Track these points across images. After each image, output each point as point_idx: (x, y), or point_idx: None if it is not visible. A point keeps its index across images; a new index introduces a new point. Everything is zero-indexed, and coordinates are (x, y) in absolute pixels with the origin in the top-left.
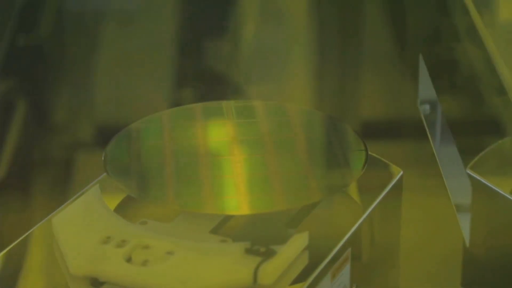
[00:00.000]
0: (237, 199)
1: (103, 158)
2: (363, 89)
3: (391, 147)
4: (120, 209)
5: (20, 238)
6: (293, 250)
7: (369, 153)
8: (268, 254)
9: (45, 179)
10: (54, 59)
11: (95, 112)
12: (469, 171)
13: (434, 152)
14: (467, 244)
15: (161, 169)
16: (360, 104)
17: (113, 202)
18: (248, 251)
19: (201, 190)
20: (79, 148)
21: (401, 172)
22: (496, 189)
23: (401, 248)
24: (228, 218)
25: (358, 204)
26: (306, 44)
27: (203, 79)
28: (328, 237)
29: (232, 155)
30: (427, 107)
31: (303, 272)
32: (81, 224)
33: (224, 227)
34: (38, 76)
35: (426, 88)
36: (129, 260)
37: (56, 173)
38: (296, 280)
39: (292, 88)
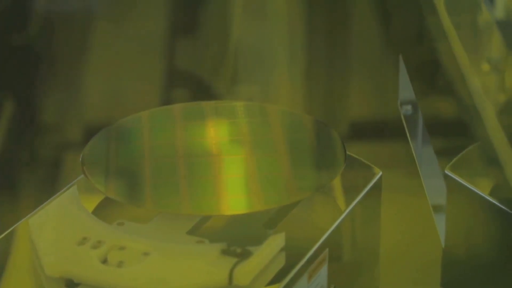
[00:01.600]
0: (215, 200)
1: (80, 159)
2: (347, 89)
3: (376, 147)
4: (99, 210)
5: None
6: (269, 250)
7: (349, 154)
8: (244, 255)
9: (33, 179)
10: (43, 58)
11: (84, 111)
12: (447, 172)
13: (413, 152)
14: (443, 245)
15: (138, 170)
16: (344, 104)
17: (92, 203)
18: (224, 252)
19: (179, 191)
20: (68, 147)
21: (380, 173)
22: (474, 189)
23: (381, 249)
24: (206, 219)
25: (337, 204)
26: (292, 44)
27: (192, 79)
28: (306, 237)
29: (210, 156)
30: (409, 107)
31: (280, 272)
32: (57, 225)
33: (202, 228)
34: (26, 76)
35: (406, 88)
36: (104, 261)
37: (44, 173)
38: (273, 281)
39: (276, 89)
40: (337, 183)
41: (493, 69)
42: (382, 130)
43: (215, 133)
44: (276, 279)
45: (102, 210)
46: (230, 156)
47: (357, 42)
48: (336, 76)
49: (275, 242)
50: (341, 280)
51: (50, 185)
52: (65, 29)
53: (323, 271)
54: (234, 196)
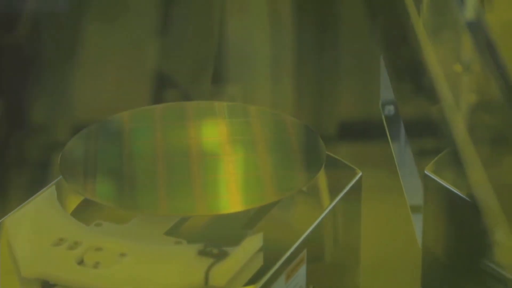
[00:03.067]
0: (194, 200)
1: (59, 160)
2: (335, 89)
3: (364, 147)
4: (78, 211)
5: None
6: (246, 251)
7: (330, 154)
8: (221, 256)
9: (22, 179)
10: (32, 58)
11: (73, 112)
12: (427, 172)
13: (393, 153)
14: (419, 245)
15: (117, 171)
16: (332, 104)
17: (72, 204)
18: (201, 253)
19: (158, 191)
20: (57, 148)
21: (360, 173)
22: (453, 190)
23: (362, 249)
24: (184, 219)
25: (317, 205)
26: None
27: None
28: (285, 238)
29: (190, 156)
30: (391, 108)
31: (257, 273)
32: (34, 226)
33: (180, 229)
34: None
35: (388, 89)
36: (80, 262)
37: (33, 173)
38: (250, 282)
39: (262, 89)
40: (317, 183)
41: (465, 70)
42: (371, 130)
43: (195, 133)
44: (254, 279)
45: (82, 211)
46: (210, 157)
47: (346, 41)
48: (324, 76)
49: (253, 243)
50: (322, 280)
51: (39, 185)
52: (55, 29)
53: (302, 271)
54: (213, 196)
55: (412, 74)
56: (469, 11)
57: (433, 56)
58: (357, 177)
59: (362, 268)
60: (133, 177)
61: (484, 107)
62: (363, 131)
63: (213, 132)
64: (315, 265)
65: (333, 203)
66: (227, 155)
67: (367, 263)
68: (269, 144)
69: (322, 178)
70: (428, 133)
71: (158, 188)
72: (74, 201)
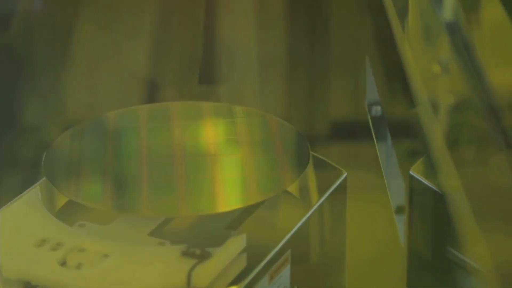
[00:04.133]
0: (178, 201)
1: (43, 161)
2: (327, 89)
3: (355, 147)
4: (62, 212)
5: None
6: (229, 252)
7: (315, 154)
8: (204, 257)
9: (13, 179)
10: (24, 58)
11: (65, 111)
12: (412, 173)
13: (378, 153)
14: (402, 245)
15: (101, 172)
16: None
17: (57, 204)
18: (184, 254)
19: (141, 192)
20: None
21: (345, 174)
22: (438, 190)
23: (347, 249)
24: (168, 220)
25: (302, 205)
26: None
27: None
28: (270, 238)
29: (174, 157)
30: (378, 108)
31: (240, 274)
32: (16, 227)
33: (164, 230)
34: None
35: (373, 90)
36: (63, 263)
37: (24, 173)
38: (233, 282)
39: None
40: (302, 183)
41: (444, 71)
42: (362, 130)
43: (180, 134)
44: (237, 280)
45: (67, 211)
46: (194, 157)
47: (338, 41)
48: (314, 76)
49: (236, 244)
50: (307, 280)
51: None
52: (48, 29)
53: (286, 272)
54: (197, 197)
55: (393, 75)
56: (447, 12)
57: (410, 57)
58: (342, 178)
59: (347, 268)
60: (117, 177)
61: (461, 108)
62: (354, 131)
63: (198, 132)
64: (301, 265)
65: (318, 204)
66: (211, 155)
67: (353, 263)
68: (254, 145)
69: (307, 179)
70: (411, 135)
71: (142, 189)
72: (59, 202)
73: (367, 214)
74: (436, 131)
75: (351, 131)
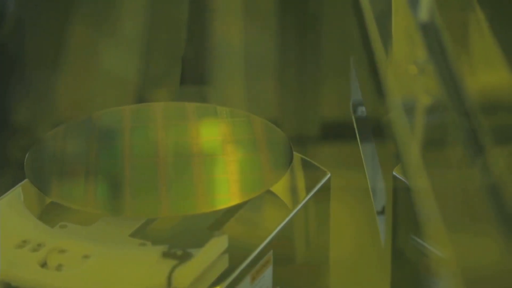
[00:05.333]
0: (160, 202)
1: (25, 161)
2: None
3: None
4: (45, 213)
5: None
6: (210, 253)
7: (299, 155)
8: (184, 257)
9: (4, 180)
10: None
11: (57, 112)
12: (395, 173)
13: (361, 154)
14: (382, 245)
15: (84, 172)
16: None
17: (39, 205)
18: (165, 255)
19: (123, 193)
20: None
21: (329, 175)
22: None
23: (331, 250)
24: (151, 221)
25: (285, 206)
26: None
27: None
28: (252, 239)
29: (157, 157)
30: (363, 109)
31: (222, 275)
32: None
33: (146, 230)
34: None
35: (358, 90)
36: (43, 264)
37: (16, 173)
38: (214, 283)
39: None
40: (285, 184)
41: (420, 72)
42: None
43: (163, 134)
44: (218, 281)
45: (49, 212)
46: (177, 158)
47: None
48: (305, 76)
49: (218, 245)
50: (291, 281)
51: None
52: (40, 28)
53: (268, 272)
54: (179, 198)
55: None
56: (423, 13)
57: (383, 58)
58: (325, 178)
59: (331, 268)
60: (99, 178)
61: (435, 109)
62: (344, 132)
63: (181, 133)
64: (284, 266)
65: (301, 205)
66: (194, 156)
67: (336, 265)
68: (237, 145)
69: (290, 179)
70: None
71: (125, 190)
72: (41, 203)
73: (354, 215)
74: (405, 132)
75: (340, 132)
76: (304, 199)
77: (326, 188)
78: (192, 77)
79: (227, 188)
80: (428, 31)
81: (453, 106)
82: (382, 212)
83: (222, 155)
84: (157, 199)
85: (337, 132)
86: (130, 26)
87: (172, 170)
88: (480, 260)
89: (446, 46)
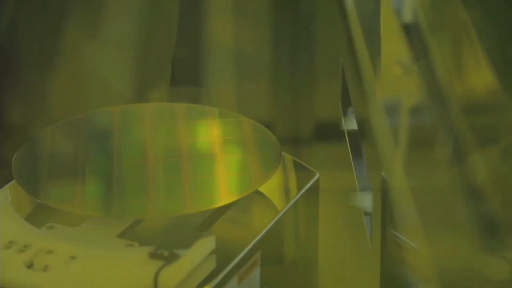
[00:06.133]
0: (147, 202)
1: (12, 162)
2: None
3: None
4: (33, 214)
5: None
6: (198, 254)
7: (288, 155)
8: (171, 258)
9: None
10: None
11: (50, 112)
12: (384, 174)
13: (350, 156)
14: (369, 246)
15: (71, 173)
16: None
17: (27, 206)
18: (152, 256)
19: (111, 193)
20: None
21: (318, 175)
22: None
23: (320, 252)
24: (138, 221)
25: (273, 207)
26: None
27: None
28: (240, 240)
29: (144, 158)
30: (351, 109)
31: (209, 276)
32: None
33: (133, 231)
34: None
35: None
36: (30, 265)
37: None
38: (201, 284)
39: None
40: (274, 184)
41: (405, 73)
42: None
43: (151, 135)
44: (205, 282)
45: (37, 213)
46: (165, 158)
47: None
48: (300, 76)
49: (205, 245)
50: (279, 282)
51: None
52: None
53: (255, 273)
54: (167, 198)
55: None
56: (407, 13)
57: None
58: (314, 179)
59: (320, 269)
60: (86, 179)
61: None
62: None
63: (168, 133)
64: (272, 267)
65: (289, 205)
66: (182, 156)
67: (325, 267)
68: (225, 145)
69: (279, 180)
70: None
71: (112, 191)
72: (28, 204)
73: (344, 215)
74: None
75: (334, 133)
76: (293, 199)
77: (315, 188)
78: (184, 78)
79: (215, 189)
80: (412, 32)
81: (435, 108)
82: (368, 212)
83: (210, 156)
84: (145, 200)
85: (330, 133)
86: (119, 26)
87: (160, 171)
88: (454, 260)
89: (429, 47)
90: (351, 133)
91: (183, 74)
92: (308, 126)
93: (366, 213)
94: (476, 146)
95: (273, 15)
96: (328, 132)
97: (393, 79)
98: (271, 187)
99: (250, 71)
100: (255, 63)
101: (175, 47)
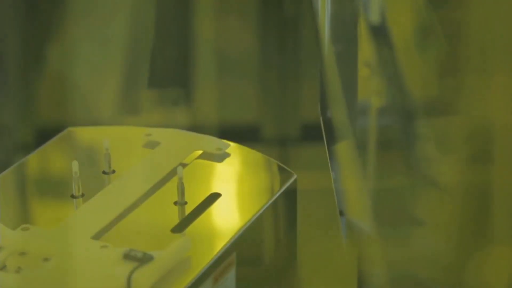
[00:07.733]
0: None
1: None
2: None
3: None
4: (8, 215)
5: None
6: (172, 255)
7: (265, 156)
8: (145, 260)
9: None
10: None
11: (37, 114)
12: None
13: (327, 155)
14: (343, 245)
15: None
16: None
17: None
18: (126, 257)
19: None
20: (20, 150)
21: (295, 176)
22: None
23: (300, 254)
24: (113, 223)
25: (251, 207)
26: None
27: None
28: (216, 241)
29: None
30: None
31: (183, 277)
32: None
33: (108, 233)
34: None
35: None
36: (3, 267)
37: None
38: (176, 286)
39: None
40: (251, 185)
41: (372, 73)
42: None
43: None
44: (179, 284)
45: (11, 215)
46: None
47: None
48: (287, 77)
49: (180, 247)
50: (256, 283)
51: None
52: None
53: (231, 275)
54: None
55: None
56: (374, 14)
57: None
58: (291, 180)
59: (300, 271)
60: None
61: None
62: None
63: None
64: (249, 268)
65: (265, 206)
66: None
67: (304, 269)
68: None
69: (256, 180)
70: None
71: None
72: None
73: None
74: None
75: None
76: (269, 200)
77: (292, 189)
78: (163, 79)
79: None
80: (380, 33)
81: (398, 109)
82: (343, 213)
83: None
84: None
85: (316, 133)
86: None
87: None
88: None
89: (396, 49)
90: (328, 133)
91: (162, 75)
92: (294, 127)
93: (341, 213)
94: (437, 147)
95: (260, 14)
96: (313, 133)
97: (361, 80)
98: (247, 188)
99: (235, 72)
100: (240, 64)
101: (154, 47)
